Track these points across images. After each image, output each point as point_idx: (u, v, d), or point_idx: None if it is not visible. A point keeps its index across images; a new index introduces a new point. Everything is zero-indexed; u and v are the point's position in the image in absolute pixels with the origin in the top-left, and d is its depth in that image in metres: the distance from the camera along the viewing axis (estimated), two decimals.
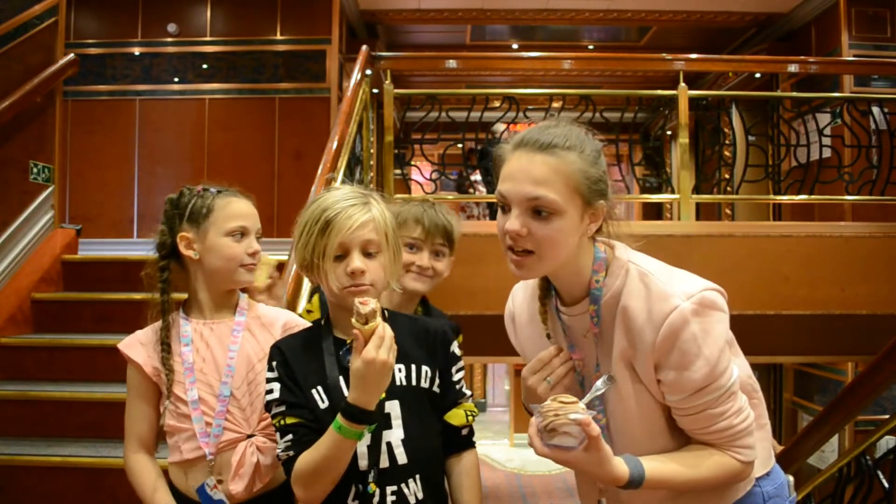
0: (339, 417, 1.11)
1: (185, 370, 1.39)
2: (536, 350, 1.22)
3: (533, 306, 1.26)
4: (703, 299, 1.07)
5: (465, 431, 1.31)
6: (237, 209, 1.45)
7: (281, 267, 2.21)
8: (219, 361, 1.40)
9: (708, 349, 1.05)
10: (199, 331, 1.43)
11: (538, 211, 1.07)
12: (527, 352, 1.31)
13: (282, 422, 1.18)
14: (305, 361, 1.22)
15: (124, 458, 1.42)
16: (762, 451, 1.20)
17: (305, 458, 1.14)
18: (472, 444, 1.33)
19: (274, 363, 1.22)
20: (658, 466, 1.07)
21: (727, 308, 1.11)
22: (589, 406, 1.05)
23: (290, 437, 1.17)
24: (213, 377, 1.39)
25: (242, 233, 1.43)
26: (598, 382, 1.08)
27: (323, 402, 1.20)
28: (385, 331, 1.10)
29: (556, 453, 1.01)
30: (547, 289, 1.22)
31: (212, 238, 1.41)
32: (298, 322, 1.50)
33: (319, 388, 1.20)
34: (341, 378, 1.20)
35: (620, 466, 1.04)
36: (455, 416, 1.30)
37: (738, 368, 1.15)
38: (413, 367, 1.25)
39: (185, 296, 1.49)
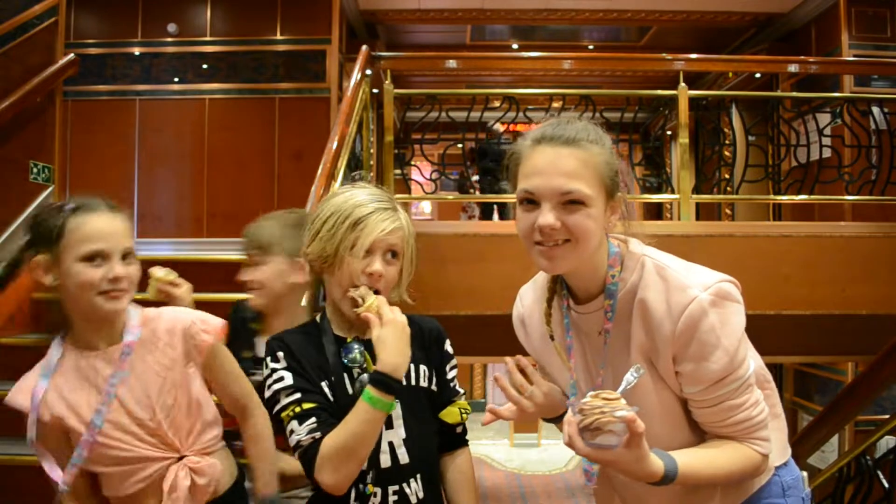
0: (369, 388, 1.10)
1: (31, 407, 1.30)
2: (549, 351, 1.23)
3: (542, 307, 1.26)
4: (720, 290, 1.07)
5: (459, 429, 1.32)
6: (92, 229, 1.26)
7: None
8: (101, 388, 1.29)
9: (727, 340, 1.06)
10: (75, 362, 1.31)
11: (570, 203, 1.06)
12: (539, 353, 1.30)
13: (297, 409, 1.15)
14: (309, 356, 1.21)
15: None
16: (777, 441, 1.20)
17: (334, 438, 1.11)
18: (465, 442, 1.34)
19: (280, 353, 1.20)
20: (689, 462, 1.06)
21: (742, 300, 1.11)
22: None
23: (312, 420, 1.14)
24: (84, 409, 1.28)
25: (101, 256, 1.26)
26: (629, 375, 1.05)
27: (328, 398, 1.19)
28: (386, 303, 1.17)
29: (599, 452, 0.99)
30: (554, 290, 1.22)
31: (66, 264, 1.25)
32: (205, 318, 1.39)
33: (324, 383, 1.19)
34: (345, 375, 1.20)
35: (656, 462, 1.02)
36: (450, 415, 1.30)
37: (752, 360, 1.15)
38: (412, 366, 1.24)
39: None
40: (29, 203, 3.38)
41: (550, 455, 8.12)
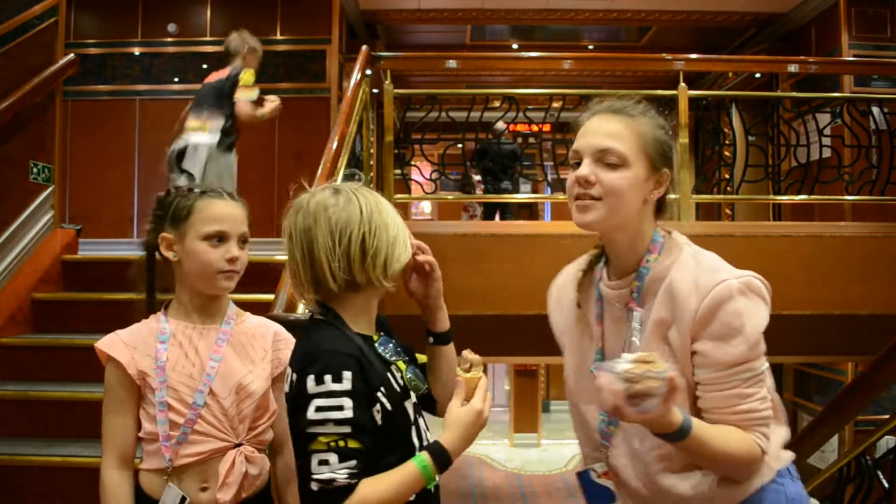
0: (426, 457, 1.11)
1: (157, 368, 1.33)
2: (573, 320, 1.30)
3: (577, 276, 1.32)
4: (751, 282, 1.12)
5: None
6: (217, 212, 1.37)
7: (281, 268, 2.20)
8: (205, 366, 1.36)
9: (749, 328, 1.09)
10: (184, 333, 1.38)
11: (607, 162, 1.15)
12: (565, 323, 1.34)
13: (341, 443, 1.09)
14: (369, 364, 1.17)
15: (101, 471, 1.33)
16: (775, 444, 1.21)
17: (374, 489, 1.09)
18: None
19: (346, 373, 1.11)
20: (702, 426, 1.08)
21: (770, 302, 1.14)
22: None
23: (354, 463, 1.09)
24: (193, 382, 1.34)
25: (220, 237, 1.36)
26: (634, 324, 1.14)
27: (386, 406, 1.16)
28: (486, 385, 1.15)
29: (643, 416, 1.01)
30: (596, 261, 1.29)
31: (189, 241, 1.36)
32: (287, 335, 1.46)
33: (383, 388, 1.16)
34: (388, 374, 1.21)
35: (676, 414, 1.04)
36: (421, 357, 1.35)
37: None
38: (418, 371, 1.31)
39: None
40: (29, 203, 3.38)
41: (550, 455, 8.12)
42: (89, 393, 2.62)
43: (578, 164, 1.18)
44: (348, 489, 1.07)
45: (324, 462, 1.08)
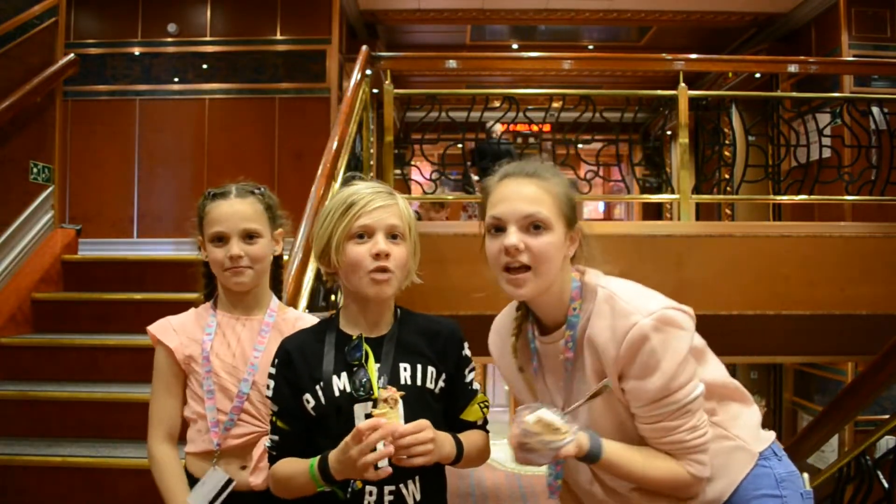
0: (315, 462, 1.15)
1: (203, 359, 1.42)
2: (517, 378, 1.33)
3: (511, 341, 1.32)
4: (663, 317, 1.13)
5: (480, 422, 1.33)
6: (216, 214, 1.45)
7: (281, 266, 2.20)
8: (247, 356, 1.44)
9: (666, 363, 1.12)
10: (228, 324, 1.47)
11: (533, 226, 1.17)
12: (511, 379, 1.37)
13: (273, 418, 1.25)
14: (310, 359, 1.22)
15: (148, 447, 1.43)
16: (749, 427, 1.26)
17: (279, 468, 1.22)
18: (485, 430, 1.34)
19: (276, 361, 1.25)
20: (617, 449, 1.15)
21: (690, 326, 1.18)
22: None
23: (276, 438, 1.24)
24: (236, 371, 1.43)
25: (220, 237, 1.43)
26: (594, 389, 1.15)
27: (320, 400, 1.20)
28: (379, 428, 1.07)
29: (530, 464, 1.11)
30: (523, 320, 1.29)
31: (207, 243, 1.47)
32: None
33: (320, 383, 1.20)
34: (335, 376, 1.19)
35: (583, 444, 1.11)
36: (471, 413, 1.30)
37: (712, 374, 1.22)
38: (419, 367, 1.24)
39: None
40: (29, 203, 3.38)
41: None
42: (89, 393, 2.62)
43: (498, 229, 1.19)
44: (271, 458, 1.25)
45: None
